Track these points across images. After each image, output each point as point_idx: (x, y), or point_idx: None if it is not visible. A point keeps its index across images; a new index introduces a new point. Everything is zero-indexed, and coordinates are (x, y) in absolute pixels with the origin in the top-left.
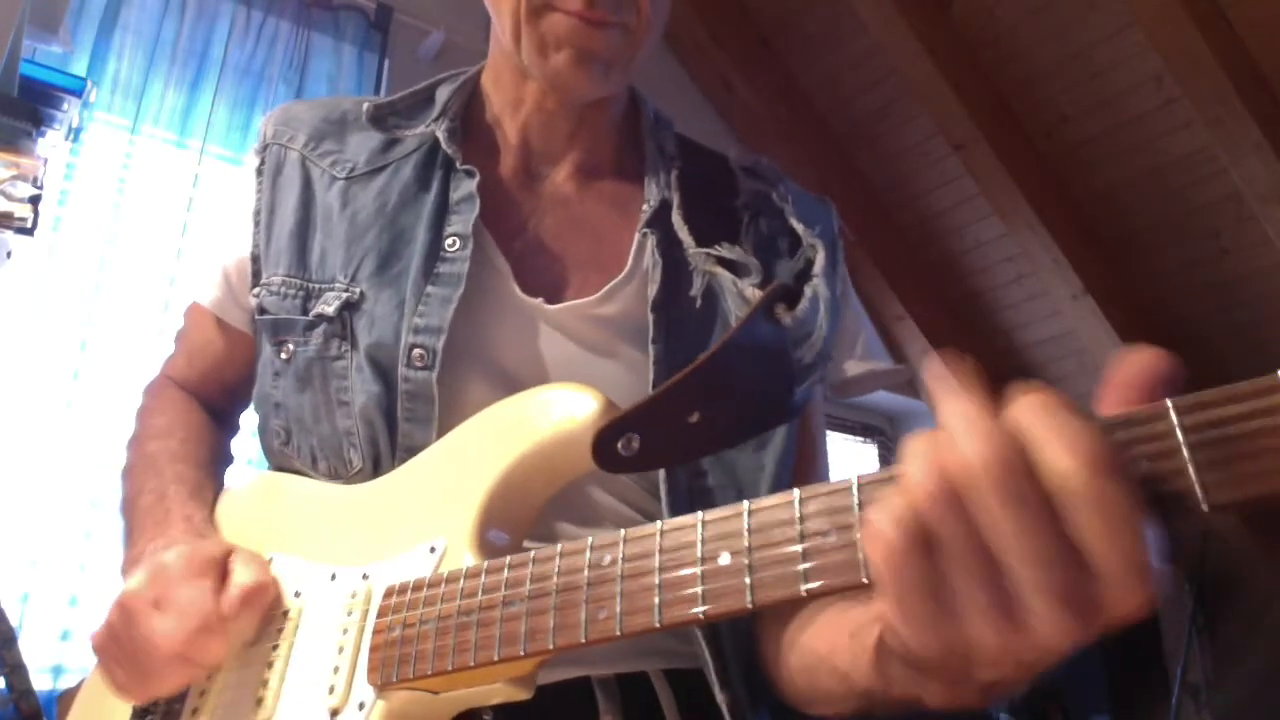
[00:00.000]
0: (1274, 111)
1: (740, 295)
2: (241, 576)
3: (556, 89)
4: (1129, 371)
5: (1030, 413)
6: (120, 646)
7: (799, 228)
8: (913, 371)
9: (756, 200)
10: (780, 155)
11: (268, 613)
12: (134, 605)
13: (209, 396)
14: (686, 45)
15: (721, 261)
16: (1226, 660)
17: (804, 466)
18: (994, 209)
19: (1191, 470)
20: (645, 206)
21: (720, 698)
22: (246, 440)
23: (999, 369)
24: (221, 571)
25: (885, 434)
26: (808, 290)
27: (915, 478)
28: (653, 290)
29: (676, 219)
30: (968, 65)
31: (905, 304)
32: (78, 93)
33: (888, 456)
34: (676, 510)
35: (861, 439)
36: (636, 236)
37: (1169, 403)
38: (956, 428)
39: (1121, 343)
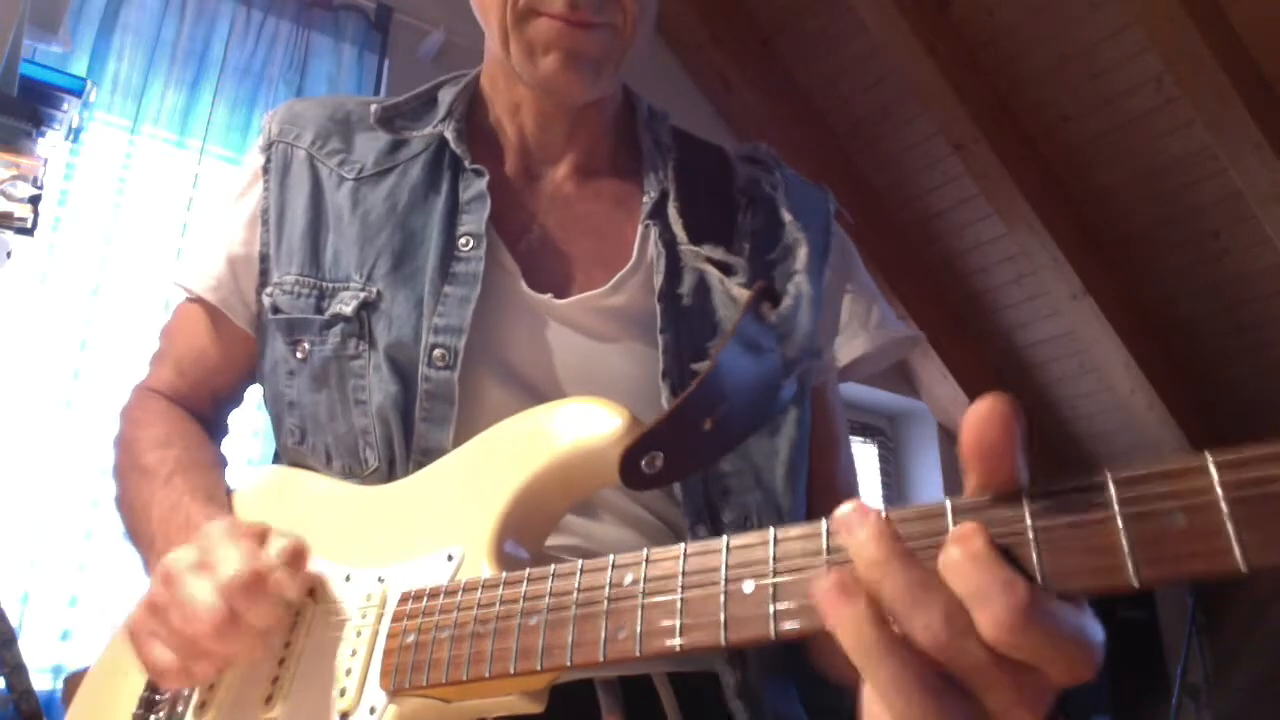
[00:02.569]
0: (1274, 111)
1: (728, 294)
2: (280, 541)
3: (548, 93)
4: (981, 437)
5: (960, 576)
6: (163, 617)
7: (787, 218)
8: (922, 337)
9: (751, 187)
10: (779, 154)
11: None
12: (177, 570)
13: (198, 405)
14: (686, 45)
15: (710, 260)
16: (1226, 660)
17: (824, 459)
18: (994, 209)
19: (1230, 528)
20: (645, 199)
21: (727, 681)
22: (246, 441)
23: (999, 369)
24: (261, 538)
25: (885, 434)
26: (790, 288)
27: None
28: (658, 280)
29: (672, 211)
30: (968, 65)
31: (905, 304)
32: (78, 93)
33: (887, 456)
34: (692, 500)
35: (862, 439)
36: (639, 228)
37: (1209, 457)
38: (902, 595)
39: (1121, 343)
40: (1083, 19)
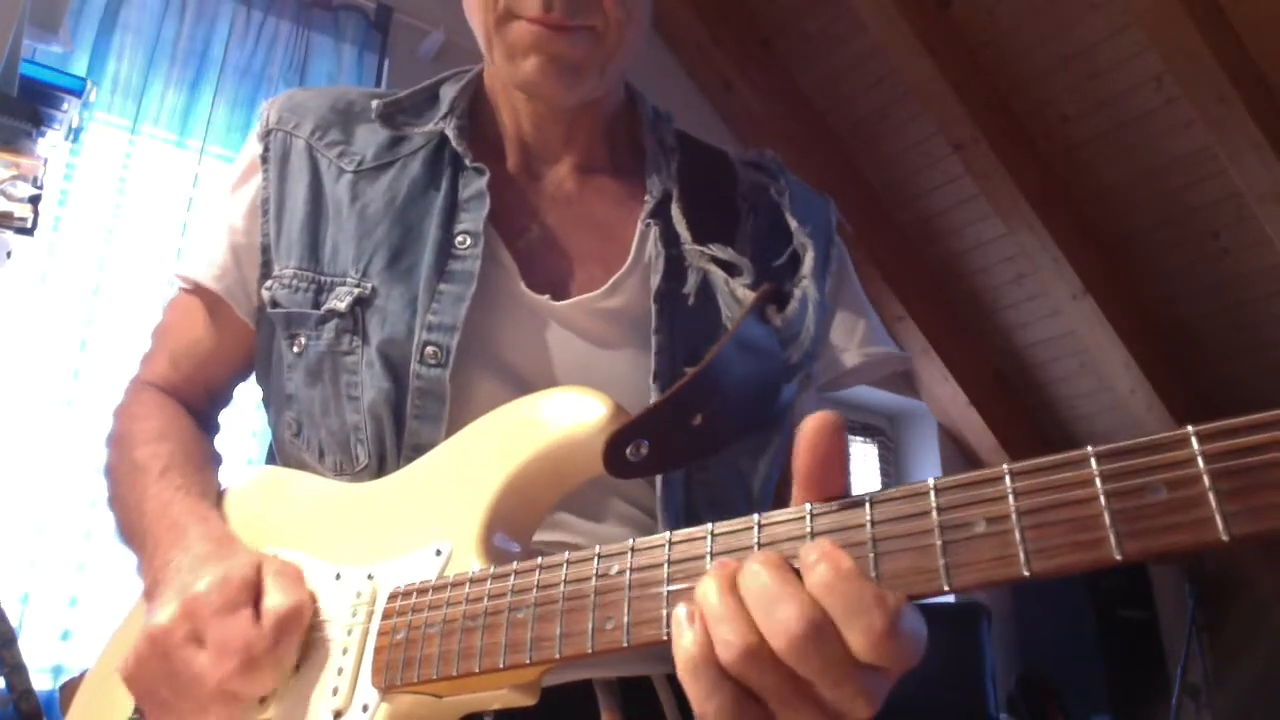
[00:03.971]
0: (1274, 111)
1: (732, 295)
2: (274, 600)
3: (530, 95)
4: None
5: (829, 591)
6: (155, 680)
7: (793, 224)
8: (910, 360)
9: (755, 193)
10: (780, 155)
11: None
12: (169, 641)
13: (192, 398)
14: (686, 45)
15: (715, 260)
16: (1226, 660)
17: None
18: (994, 209)
19: (1212, 499)
20: (647, 198)
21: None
22: (246, 440)
23: (999, 369)
24: (256, 593)
25: (885, 434)
26: (796, 292)
27: (733, 639)
28: (655, 280)
29: (675, 211)
30: (968, 65)
31: (905, 304)
32: (78, 93)
33: (887, 456)
34: (670, 505)
35: (861, 439)
36: (639, 227)
37: (1190, 430)
38: (768, 598)
39: (1121, 343)
40: (1083, 19)
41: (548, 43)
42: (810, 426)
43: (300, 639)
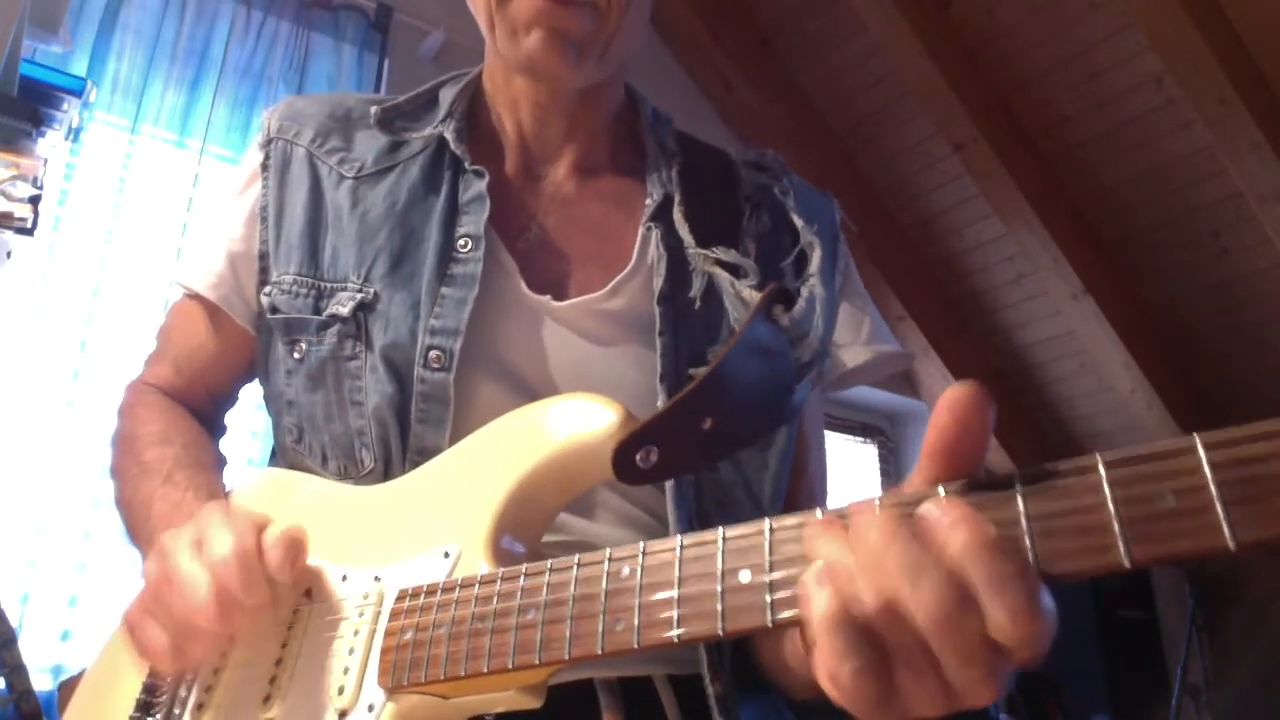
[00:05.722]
0: (1274, 111)
1: (738, 297)
2: (278, 528)
3: (532, 74)
4: (951, 422)
5: (973, 559)
6: (156, 594)
7: (798, 223)
8: (913, 358)
9: (758, 193)
10: (780, 155)
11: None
12: (172, 546)
13: (195, 401)
14: (686, 44)
15: (719, 263)
16: (1226, 660)
17: (797, 466)
18: (994, 209)
19: (1219, 507)
20: (648, 201)
21: (710, 690)
22: (246, 441)
23: (999, 369)
24: (259, 524)
25: (885, 434)
26: (804, 290)
27: (867, 604)
28: (658, 283)
29: (677, 216)
30: (968, 65)
31: (905, 304)
32: (78, 93)
33: (887, 456)
34: (681, 506)
35: (861, 439)
36: (640, 231)
37: (1197, 438)
38: (904, 565)
39: (1121, 343)
40: (1083, 19)
41: (550, 16)
42: (960, 391)
43: (298, 566)
